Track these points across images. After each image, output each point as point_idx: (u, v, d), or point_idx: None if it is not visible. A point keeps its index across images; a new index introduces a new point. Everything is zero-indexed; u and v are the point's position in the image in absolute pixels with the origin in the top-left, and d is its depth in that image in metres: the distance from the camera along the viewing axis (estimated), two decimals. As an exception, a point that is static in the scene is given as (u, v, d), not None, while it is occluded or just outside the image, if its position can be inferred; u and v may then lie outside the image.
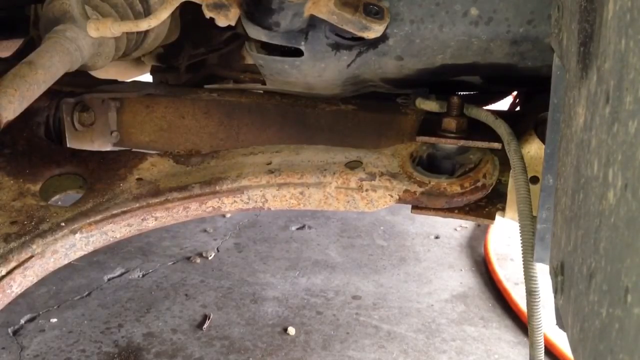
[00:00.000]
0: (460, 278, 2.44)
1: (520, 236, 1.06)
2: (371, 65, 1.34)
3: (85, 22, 1.37)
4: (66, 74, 1.36)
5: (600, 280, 0.54)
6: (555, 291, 0.77)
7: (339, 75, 1.37)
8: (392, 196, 1.26)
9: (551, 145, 0.94)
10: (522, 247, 1.06)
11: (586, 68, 0.65)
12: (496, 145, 1.24)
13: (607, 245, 0.52)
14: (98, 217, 1.23)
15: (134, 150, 1.50)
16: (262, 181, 1.30)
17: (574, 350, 0.65)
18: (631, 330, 0.44)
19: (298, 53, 1.31)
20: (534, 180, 1.20)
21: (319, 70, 1.35)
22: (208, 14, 1.19)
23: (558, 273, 0.75)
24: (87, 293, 2.26)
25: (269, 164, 1.34)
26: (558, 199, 0.82)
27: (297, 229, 2.81)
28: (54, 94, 1.57)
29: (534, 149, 1.23)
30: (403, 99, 1.52)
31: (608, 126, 0.54)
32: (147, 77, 2.22)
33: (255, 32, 1.28)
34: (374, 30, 1.18)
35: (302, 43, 1.28)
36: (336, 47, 1.30)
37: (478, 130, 1.27)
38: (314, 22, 1.24)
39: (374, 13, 1.17)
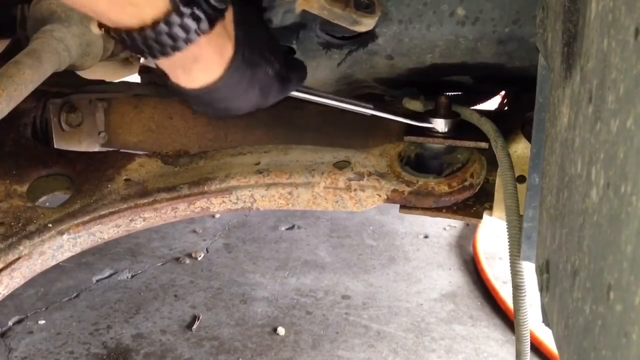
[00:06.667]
0: (449, 277, 2.45)
1: (507, 231, 1.07)
2: (362, 64, 1.34)
3: (74, 22, 1.36)
4: (53, 75, 1.35)
5: (584, 277, 0.54)
6: (541, 289, 0.77)
7: (331, 74, 1.38)
8: (380, 196, 1.27)
9: (537, 144, 0.95)
10: (508, 241, 1.06)
11: (570, 68, 0.66)
12: (483, 144, 1.24)
13: (590, 243, 0.53)
14: (86, 218, 1.22)
15: (121, 150, 1.49)
16: (250, 181, 1.30)
17: (559, 348, 0.66)
18: (613, 326, 0.45)
19: (290, 52, 1.32)
20: (521, 179, 1.21)
21: (311, 69, 1.35)
22: (197, 14, 1.19)
23: (543, 271, 0.75)
24: (75, 294, 2.25)
25: (258, 164, 1.35)
26: (543, 198, 0.82)
27: (287, 229, 2.81)
28: (40, 94, 1.56)
29: (521, 148, 1.24)
30: (390, 99, 1.53)
31: (591, 125, 0.54)
32: (135, 78, 2.21)
33: (244, 32, 1.28)
34: (365, 24, 1.18)
35: (294, 42, 1.29)
36: (327, 45, 1.31)
37: (465, 130, 1.28)
38: (304, 22, 1.25)
39: (365, 7, 1.18)
